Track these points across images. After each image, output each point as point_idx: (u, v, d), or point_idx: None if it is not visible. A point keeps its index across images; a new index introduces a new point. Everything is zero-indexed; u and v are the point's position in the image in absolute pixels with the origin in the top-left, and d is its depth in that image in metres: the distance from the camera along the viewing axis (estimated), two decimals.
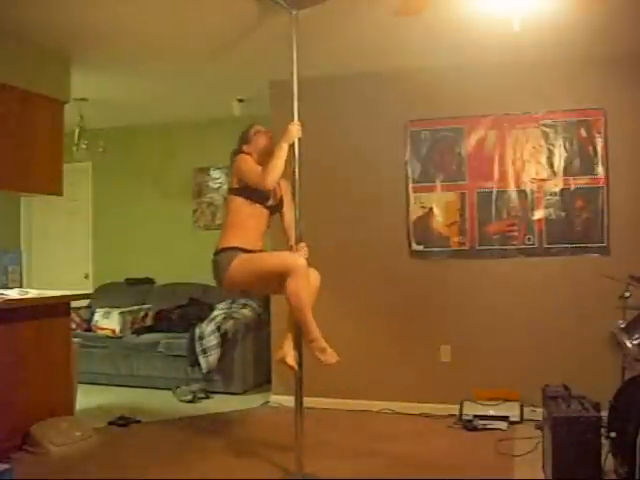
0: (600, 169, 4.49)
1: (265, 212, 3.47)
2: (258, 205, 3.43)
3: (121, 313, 6.03)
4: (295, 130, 3.35)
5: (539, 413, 3.85)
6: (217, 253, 3.44)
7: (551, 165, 4.60)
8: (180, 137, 6.71)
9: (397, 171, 4.90)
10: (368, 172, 4.92)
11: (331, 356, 3.26)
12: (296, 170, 3.37)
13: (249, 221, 3.43)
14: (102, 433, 4.21)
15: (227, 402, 5.24)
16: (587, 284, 4.40)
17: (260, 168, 3.32)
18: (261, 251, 3.47)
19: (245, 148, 3.52)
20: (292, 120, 3.38)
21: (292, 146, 3.35)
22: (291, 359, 3.39)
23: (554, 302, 4.53)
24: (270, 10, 3.48)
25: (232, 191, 3.46)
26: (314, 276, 3.43)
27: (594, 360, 4.28)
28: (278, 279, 3.25)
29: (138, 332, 5.99)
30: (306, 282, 3.24)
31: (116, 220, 6.93)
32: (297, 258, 3.26)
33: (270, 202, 3.47)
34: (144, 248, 6.80)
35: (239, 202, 3.43)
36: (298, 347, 3.39)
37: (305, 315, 3.25)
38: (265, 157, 3.37)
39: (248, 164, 3.39)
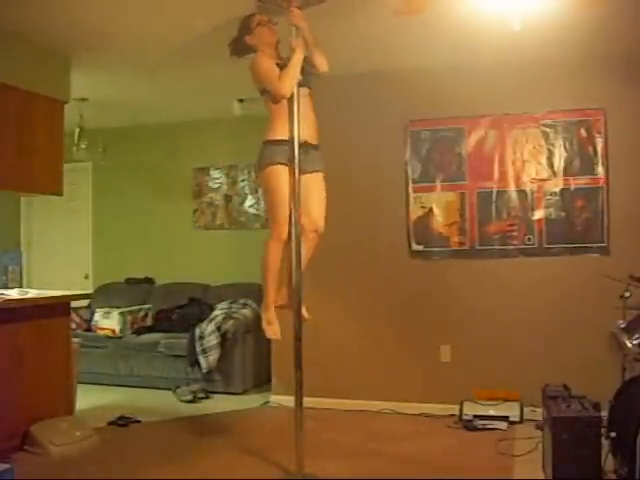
0: (600, 169, 4.49)
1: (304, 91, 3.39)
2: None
3: (121, 313, 6.03)
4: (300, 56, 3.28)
5: (539, 413, 3.85)
6: (264, 143, 3.37)
7: (551, 165, 4.60)
8: (180, 137, 6.71)
9: (397, 171, 4.90)
10: (368, 172, 4.92)
11: (272, 332, 3.42)
12: (296, 170, 3.36)
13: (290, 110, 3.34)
14: (102, 433, 4.20)
15: (227, 402, 5.24)
16: (587, 284, 4.40)
17: (277, 72, 3.26)
18: (314, 141, 3.42)
19: (249, 39, 3.38)
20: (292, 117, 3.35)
21: (292, 145, 3.35)
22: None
23: (554, 302, 4.52)
24: (270, 10, 3.47)
25: (267, 93, 3.36)
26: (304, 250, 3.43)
27: (594, 360, 4.27)
28: None
29: (138, 332, 5.99)
30: (274, 254, 3.35)
31: (116, 220, 6.93)
32: (280, 234, 3.31)
33: (304, 81, 3.38)
34: (144, 248, 6.80)
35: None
36: (298, 346, 3.39)
37: (265, 280, 3.40)
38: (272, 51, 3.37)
39: (265, 65, 3.30)
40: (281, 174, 3.30)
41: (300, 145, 3.33)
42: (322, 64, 3.44)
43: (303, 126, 3.35)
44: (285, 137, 3.31)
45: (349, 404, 4.84)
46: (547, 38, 4.06)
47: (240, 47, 3.45)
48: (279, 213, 3.32)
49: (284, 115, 3.33)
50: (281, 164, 3.30)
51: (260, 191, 6.48)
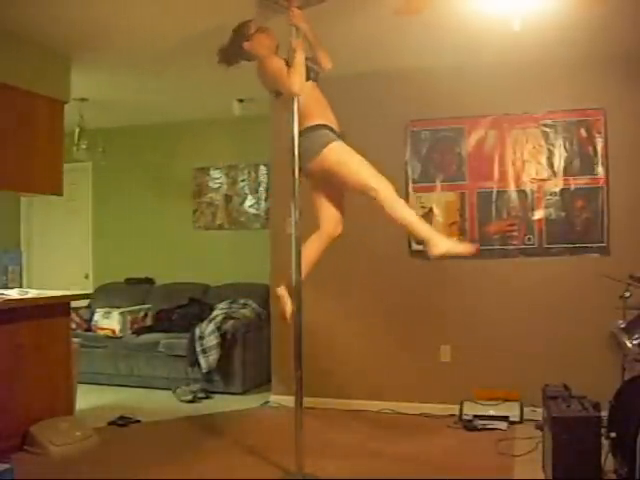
0: (600, 169, 4.49)
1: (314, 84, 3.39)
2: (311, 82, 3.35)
3: (121, 313, 6.03)
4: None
5: (539, 413, 3.85)
6: (307, 130, 3.28)
7: (551, 165, 4.60)
8: (180, 137, 6.72)
9: (397, 171, 4.89)
10: None
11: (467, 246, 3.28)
12: (295, 170, 3.36)
13: (315, 99, 3.34)
14: (102, 433, 4.20)
15: (227, 402, 5.24)
16: (587, 284, 4.40)
17: (286, 70, 3.25)
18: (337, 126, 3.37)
19: (247, 46, 3.37)
20: (292, 117, 3.35)
21: (292, 148, 3.34)
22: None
23: (554, 302, 4.52)
24: (270, 10, 3.48)
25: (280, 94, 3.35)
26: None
27: (594, 360, 4.28)
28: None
29: (138, 332, 5.99)
30: (392, 198, 3.20)
31: (116, 220, 6.94)
32: (382, 180, 3.21)
33: (312, 75, 3.37)
34: (144, 248, 6.80)
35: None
36: (298, 346, 3.38)
37: (405, 218, 3.20)
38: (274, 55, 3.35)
39: (275, 65, 3.30)
40: (343, 144, 3.28)
41: (336, 133, 3.34)
42: (326, 62, 3.47)
43: (333, 116, 3.37)
44: (323, 122, 3.30)
45: (349, 404, 4.84)
46: (547, 38, 4.06)
47: (232, 54, 3.44)
48: (370, 169, 3.24)
49: (313, 103, 3.32)
50: (330, 135, 3.28)
51: (260, 187, 6.51)
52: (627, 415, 3.00)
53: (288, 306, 3.37)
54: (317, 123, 3.30)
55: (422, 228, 3.21)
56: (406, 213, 3.22)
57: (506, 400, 4.43)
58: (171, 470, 3.58)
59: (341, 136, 3.38)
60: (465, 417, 4.37)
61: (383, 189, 3.19)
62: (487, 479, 3.37)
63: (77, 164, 6.13)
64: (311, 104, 3.33)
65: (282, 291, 3.45)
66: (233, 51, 3.43)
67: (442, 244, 3.12)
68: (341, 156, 3.26)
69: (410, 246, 4.87)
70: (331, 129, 3.33)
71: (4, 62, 3.89)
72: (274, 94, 3.43)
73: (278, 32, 3.38)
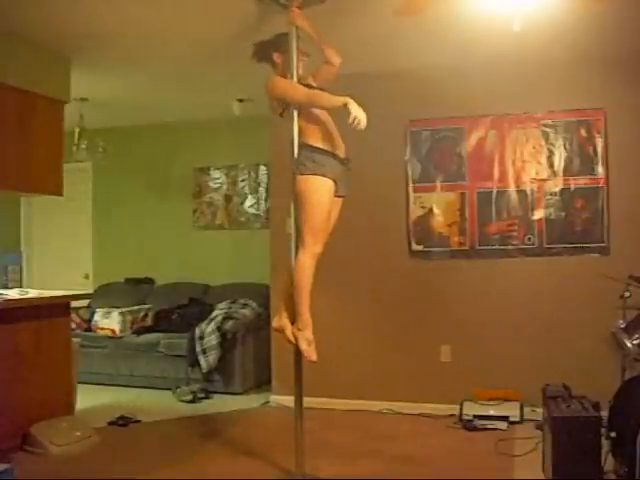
0: (600, 169, 4.49)
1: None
2: None
3: (121, 313, 6.03)
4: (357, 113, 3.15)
5: (539, 413, 3.85)
6: (307, 147, 3.24)
7: (551, 165, 4.60)
8: (180, 137, 6.72)
9: (397, 171, 4.90)
10: (368, 172, 4.90)
11: (313, 354, 3.26)
12: (295, 170, 3.35)
13: (323, 119, 3.30)
14: (102, 433, 4.20)
15: (227, 402, 5.24)
16: (587, 284, 4.40)
17: (302, 87, 3.25)
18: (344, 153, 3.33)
19: (276, 57, 3.38)
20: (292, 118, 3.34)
21: (338, 160, 3.31)
22: (290, 333, 3.31)
23: (554, 302, 4.53)
24: (270, 10, 3.48)
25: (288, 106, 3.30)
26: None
27: (594, 360, 4.27)
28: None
29: (138, 332, 5.99)
30: (311, 270, 3.20)
31: (116, 220, 6.94)
32: (318, 248, 3.22)
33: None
34: (144, 248, 6.80)
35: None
36: (298, 346, 3.38)
37: (302, 298, 3.21)
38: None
39: (286, 82, 3.28)
40: (329, 189, 3.23)
41: (341, 161, 3.31)
42: (335, 58, 3.45)
43: (340, 140, 3.34)
44: (332, 150, 3.26)
45: (349, 404, 4.84)
46: (547, 38, 4.06)
47: (263, 54, 3.44)
48: (319, 228, 3.22)
49: (322, 124, 3.30)
50: (330, 179, 3.23)
51: (252, 189, 6.51)
52: (627, 415, 3.00)
53: (301, 343, 3.26)
54: (320, 147, 3.25)
55: (303, 309, 3.22)
56: (304, 285, 3.20)
57: (506, 400, 4.43)
58: (171, 470, 3.57)
59: (346, 163, 3.36)
60: (465, 417, 4.37)
61: (308, 251, 3.20)
62: (487, 479, 3.37)
63: (77, 164, 6.12)
64: (312, 126, 3.28)
65: (278, 322, 3.39)
66: (264, 52, 3.43)
67: (305, 335, 3.23)
68: (310, 193, 3.19)
69: (410, 246, 4.87)
70: (335, 156, 3.27)
71: (4, 62, 3.89)
72: (279, 114, 3.38)
73: (275, 32, 3.37)
